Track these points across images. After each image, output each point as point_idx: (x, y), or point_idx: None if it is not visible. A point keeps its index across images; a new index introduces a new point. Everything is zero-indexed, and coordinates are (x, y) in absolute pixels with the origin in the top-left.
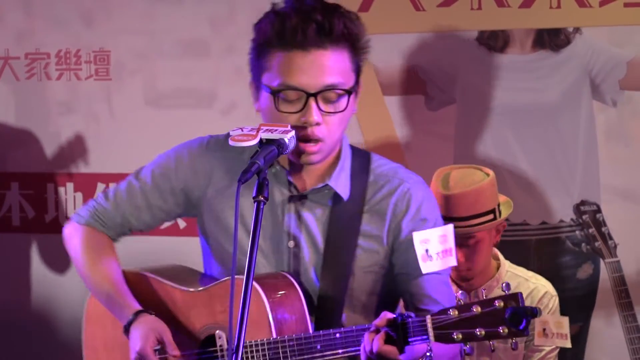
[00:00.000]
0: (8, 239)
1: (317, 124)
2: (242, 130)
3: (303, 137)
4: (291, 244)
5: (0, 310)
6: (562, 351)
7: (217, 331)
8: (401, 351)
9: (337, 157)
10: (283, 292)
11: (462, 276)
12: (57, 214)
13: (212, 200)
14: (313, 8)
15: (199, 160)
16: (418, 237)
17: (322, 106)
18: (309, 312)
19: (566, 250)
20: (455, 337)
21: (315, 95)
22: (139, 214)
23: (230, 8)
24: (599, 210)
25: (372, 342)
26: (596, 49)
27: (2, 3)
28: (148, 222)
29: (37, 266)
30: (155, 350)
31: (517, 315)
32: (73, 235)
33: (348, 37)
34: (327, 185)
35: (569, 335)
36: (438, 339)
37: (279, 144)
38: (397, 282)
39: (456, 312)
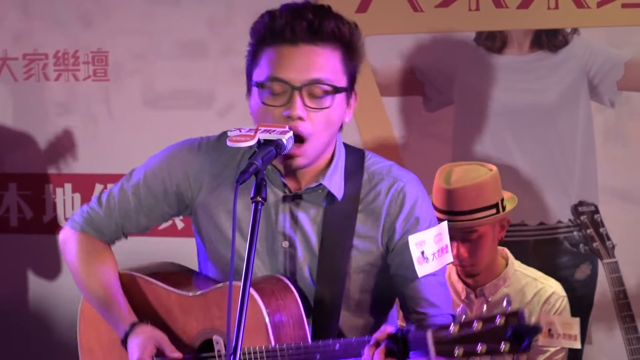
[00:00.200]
0: (6, 239)
1: (300, 118)
2: (240, 131)
3: None
4: (285, 244)
5: None
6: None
7: (215, 336)
8: None
9: (331, 157)
10: (280, 296)
11: (467, 272)
12: (55, 214)
13: (204, 202)
14: (305, 7)
15: (190, 162)
16: (413, 239)
17: (307, 101)
18: (306, 314)
19: (564, 251)
20: (456, 353)
21: (300, 89)
22: (132, 217)
23: (228, 9)
24: (597, 211)
25: (373, 356)
26: (594, 50)
27: (0, 4)
28: (142, 225)
29: (35, 267)
30: (154, 358)
31: (520, 334)
32: (68, 242)
33: (339, 37)
34: (320, 185)
35: (579, 337)
36: (439, 354)
37: (277, 144)
38: (394, 283)
39: (457, 328)
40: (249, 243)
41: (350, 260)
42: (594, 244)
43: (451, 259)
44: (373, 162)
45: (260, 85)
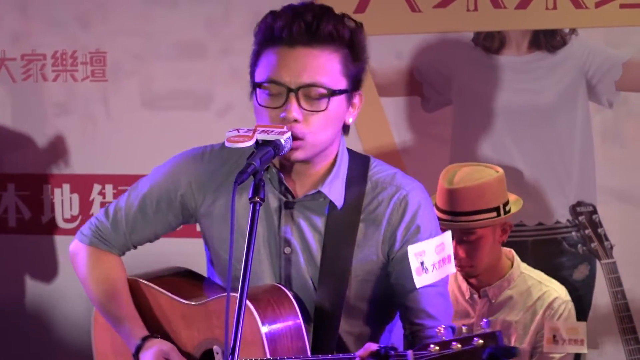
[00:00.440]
0: (4, 240)
1: (296, 120)
2: (238, 132)
3: None
4: (288, 250)
5: None
6: None
7: (215, 346)
8: None
9: (333, 164)
10: (277, 307)
11: (465, 272)
12: (54, 215)
13: (208, 211)
14: (305, 8)
15: (193, 172)
16: (413, 250)
17: (304, 104)
18: (307, 321)
19: (562, 251)
20: None
21: (295, 91)
22: (138, 229)
23: (226, 10)
24: (595, 211)
25: None
26: (592, 50)
27: None
28: (149, 235)
29: (33, 267)
30: None
31: (495, 356)
32: (77, 256)
33: (338, 39)
34: (319, 192)
35: (585, 341)
36: None
37: (275, 145)
38: (394, 292)
39: (437, 348)
40: (247, 244)
41: (350, 269)
42: (592, 245)
43: (453, 270)
44: (377, 171)
45: (259, 86)
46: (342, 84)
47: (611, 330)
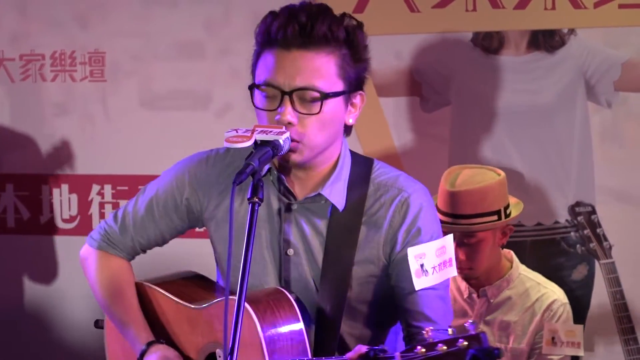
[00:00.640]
0: (3, 240)
1: (290, 123)
2: (237, 132)
3: None
4: (291, 252)
5: None
6: None
7: (217, 350)
8: None
9: (334, 166)
10: (277, 310)
11: (464, 275)
12: (52, 215)
13: (213, 215)
14: (301, 9)
15: (198, 176)
16: (412, 252)
17: (298, 106)
18: (309, 323)
19: (561, 252)
20: None
21: (289, 94)
22: (146, 233)
23: (225, 10)
24: (593, 212)
25: None
26: (591, 50)
27: None
28: (157, 239)
29: (32, 268)
30: None
31: (477, 357)
32: (87, 260)
33: (333, 40)
34: (319, 194)
35: (582, 344)
36: None
37: (273, 145)
38: (394, 294)
39: (423, 350)
40: (245, 244)
41: (352, 271)
42: (591, 245)
43: (454, 273)
44: (380, 173)
45: (257, 87)
46: (338, 86)
47: (610, 330)
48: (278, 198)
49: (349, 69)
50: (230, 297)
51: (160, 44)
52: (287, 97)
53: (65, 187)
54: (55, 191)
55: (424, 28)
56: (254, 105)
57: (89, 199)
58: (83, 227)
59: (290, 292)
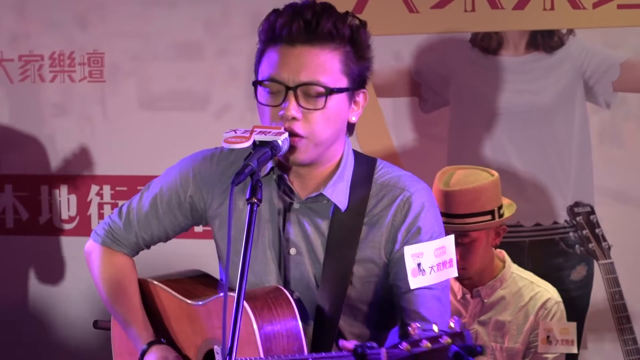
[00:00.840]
0: (2, 241)
1: (294, 118)
2: (236, 132)
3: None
4: (293, 251)
5: None
6: None
7: (215, 346)
8: None
9: (337, 166)
10: (275, 307)
11: (457, 274)
12: (51, 216)
13: (216, 213)
14: (306, 7)
15: (202, 174)
16: (409, 250)
17: (302, 102)
18: (308, 321)
19: (560, 252)
20: None
21: (294, 89)
22: (150, 229)
23: (224, 11)
24: (592, 212)
25: None
26: (590, 51)
27: None
28: (161, 236)
29: (31, 268)
30: None
31: (460, 355)
32: (91, 255)
33: (338, 37)
34: (321, 194)
35: (576, 342)
36: None
37: (272, 146)
38: (392, 293)
39: (408, 347)
40: (244, 244)
41: (352, 269)
42: (590, 245)
43: (454, 274)
44: (383, 173)
45: (260, 84)
46: (342, 82)
47: (609, 330)
48: (280, 197)
49: (353, 66)
50: (230, 294)
51: (159, 44)
52: (291, 93)
53: (64, 188)
54: (54, 192)
55: (422, 28)
56: (258, 102)
57: (88, 199)
58: (82, 228)
59: (291, 291)
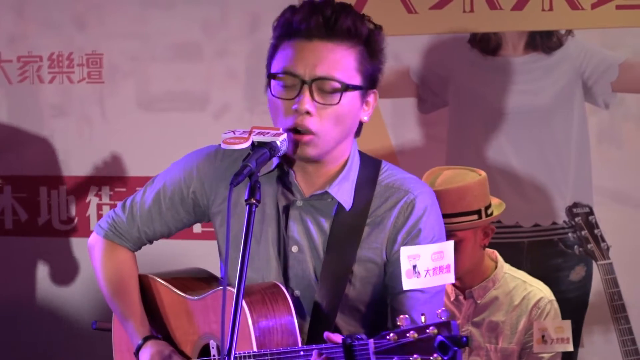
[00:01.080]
0: (0, 242)
1: (308, 112)
2: (234, 133)
3: (295, 126)
4: (295, 248)
5: None
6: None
7: (211, 341)
8: None
9: (343, 166)
10: (271, 303)
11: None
12: (50, 217)
13: (218, 210)
14: (325, 4)
15: (206, 170)
16: (406, 251)
17: (317, 97)
18: (305, 318)
19: (559, 253)
20: None
21: (309, 83)
22: (153, 224)
23: (223, 11)
24: (591, 213)
25: None
26: (588, 51)
27: None
28: (163, 231)
29: (30, 269)
30: None
31: (445, 344)
32: (94, 248)
33: (355, 35)
34: (326, 192)
35: (571, 339)
36: None
37: (271, 146)
38: (386, 293)
39: (395, 337)
40: (243, 244)
41: (352, 269)
42: (589, 246)
43: (451, 280)
44: (388, 175)
45: (273, 77)
46: (356, 80)
47: (607, 330)
48: (284, 194)
49: (367, 65)
50: (229, 288)
51: (158, 45)
52: (306, 86)
53: (62, 189)
54: (53, 193)
55: (421, 29)
56: (271, 95)
57: (87, 200)
58: (81, 229)
59: (292, 289)
